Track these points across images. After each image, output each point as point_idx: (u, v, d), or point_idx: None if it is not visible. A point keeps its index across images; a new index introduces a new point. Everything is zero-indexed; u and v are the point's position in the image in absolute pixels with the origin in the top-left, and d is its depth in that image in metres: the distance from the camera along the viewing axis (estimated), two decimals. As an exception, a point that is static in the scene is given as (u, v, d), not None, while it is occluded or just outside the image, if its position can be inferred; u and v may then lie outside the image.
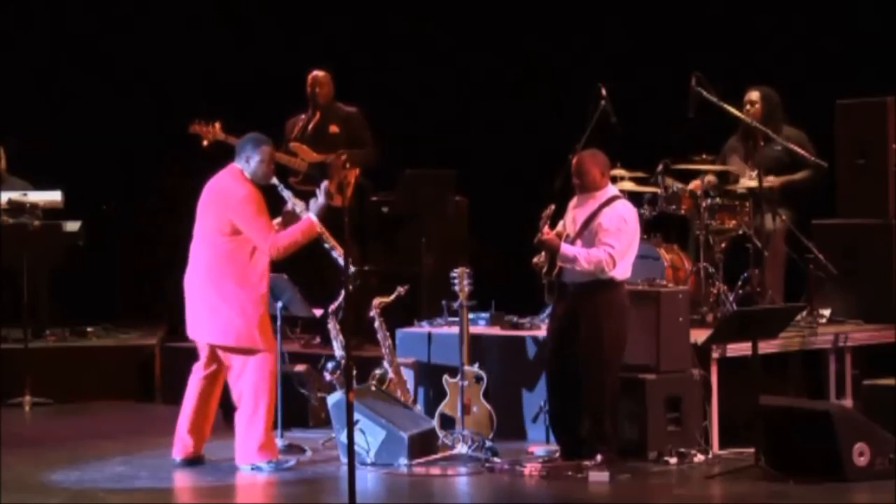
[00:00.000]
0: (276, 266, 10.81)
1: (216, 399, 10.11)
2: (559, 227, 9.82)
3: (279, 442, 10.30)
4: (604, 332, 9.66)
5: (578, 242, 9.62)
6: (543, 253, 9.71)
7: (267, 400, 9.86)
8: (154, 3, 14.90)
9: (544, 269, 9.74)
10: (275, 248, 9.80)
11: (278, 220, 10.22)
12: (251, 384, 9.84)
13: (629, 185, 10.91)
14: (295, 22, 14.76)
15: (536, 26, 13.84)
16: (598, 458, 9.60)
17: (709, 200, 10.99)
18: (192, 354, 12.11)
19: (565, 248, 9.54)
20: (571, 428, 9.81)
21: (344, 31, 14.41)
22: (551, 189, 10.42)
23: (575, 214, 9.76)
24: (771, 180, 11.21)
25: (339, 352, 10.73)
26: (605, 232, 9.56)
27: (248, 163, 9.91)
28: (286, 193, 10.15)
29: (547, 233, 9.60)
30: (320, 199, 9.95)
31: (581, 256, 9.54)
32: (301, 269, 11.57)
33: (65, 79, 14.93)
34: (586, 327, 9.66)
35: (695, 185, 11.28)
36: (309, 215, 9.91)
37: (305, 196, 11.75)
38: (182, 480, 10.00)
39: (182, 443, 10.01)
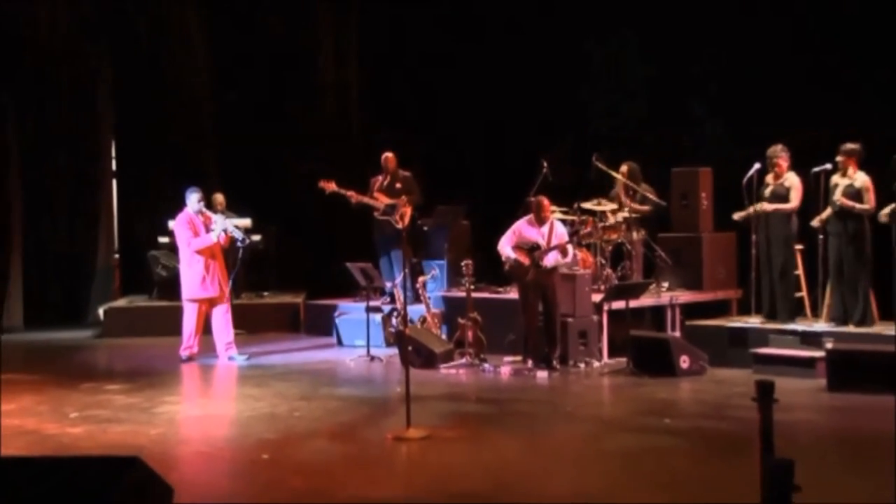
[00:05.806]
0: (364, 257, 10.92)
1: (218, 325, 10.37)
2: (529, 238, 9.62)
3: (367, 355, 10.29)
4: (558, 295, 9.75)
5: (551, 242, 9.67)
6: (527, 259, 9.56)
7: (187, 325, 10.41)
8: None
9: (527, 264, 9.54)
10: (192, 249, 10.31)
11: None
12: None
13: (558, 216, 10.56)
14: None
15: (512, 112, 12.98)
16: (554, 363, 9.62)
17: (601, 223, 10.73)
18: (324, 309, 12.29)
19: (569, 255, 9.60)
20: (539, 350, 9.78)
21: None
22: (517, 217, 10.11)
23: (541, 231, 9.70)
24: (636, 207, 11.02)
25: (399, 305, 10.68)
26: (563, 235, 9.67)
27: (190, 202, 10.40)
28: (215, 217, 10.42)
29: (527, 258, 9.56)
30: (219, 226, 10.30)
31: (574, 257, 9.80)
32: (377, 259, 11.61)
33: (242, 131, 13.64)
34: (552, 292, 9.62)
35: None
36: (212, 234, 10.31)
37: (382, 224, 11.48)
38: (319, 362, 10.11)
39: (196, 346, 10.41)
